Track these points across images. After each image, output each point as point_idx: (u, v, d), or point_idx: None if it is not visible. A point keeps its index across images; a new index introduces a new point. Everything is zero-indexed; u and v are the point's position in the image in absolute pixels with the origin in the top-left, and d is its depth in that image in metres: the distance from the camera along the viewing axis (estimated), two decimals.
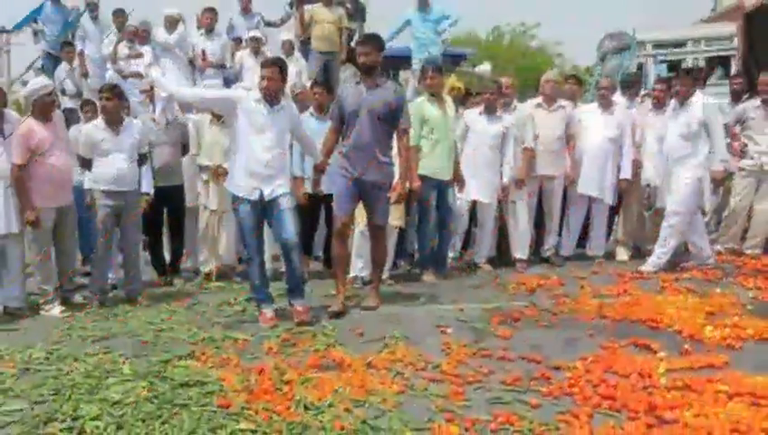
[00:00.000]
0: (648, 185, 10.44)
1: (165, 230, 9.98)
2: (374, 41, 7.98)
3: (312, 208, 9.46)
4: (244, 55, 13.33)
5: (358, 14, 14.57)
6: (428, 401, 5.23)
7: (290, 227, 7.51)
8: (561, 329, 7.18)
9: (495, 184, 9.85)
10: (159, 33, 13.36)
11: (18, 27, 14.52)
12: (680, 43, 17.09)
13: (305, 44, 13.90)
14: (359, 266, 9.18)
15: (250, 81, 11.27)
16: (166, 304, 8.49)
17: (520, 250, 10.20)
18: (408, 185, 8.28)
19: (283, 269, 8.02)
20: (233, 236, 9.62)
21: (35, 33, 14.13)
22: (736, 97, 11.53)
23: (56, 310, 8.23)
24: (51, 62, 13.86)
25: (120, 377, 5.82)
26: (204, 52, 13.42)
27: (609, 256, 10.70)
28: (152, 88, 9.96)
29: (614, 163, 10.25)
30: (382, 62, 8.04)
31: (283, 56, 11.21)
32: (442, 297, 8.56)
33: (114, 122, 8.46)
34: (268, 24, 14.61)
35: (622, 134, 10.22)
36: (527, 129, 9.97)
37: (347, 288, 8.33)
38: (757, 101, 10.38)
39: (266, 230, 8.00)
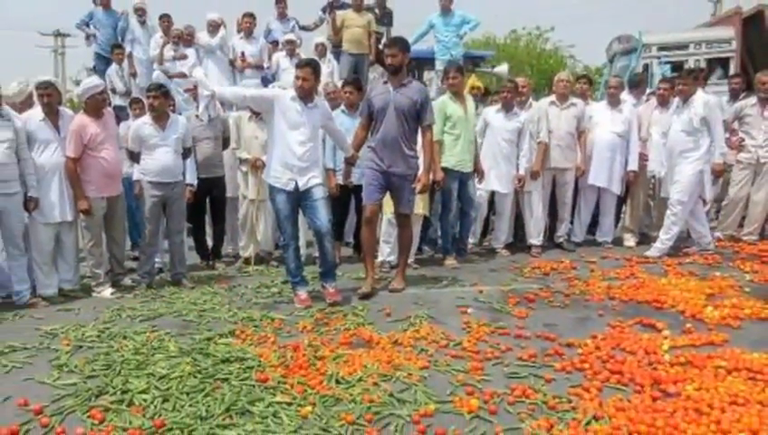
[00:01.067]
0: (654, 176, 10.50)
1: (207, 218, 10.04)
2: (400, 43, 7.95)
3: (343, 198, 9.47)
4: (280, 57, 13.33)
5: (385, 18, 14.52)
6: (450, 376, 5.24)
7: (322, 216, 7.52)
8: (572, 309, 7.17)
9: (512, 175, 9.85)
10: (202, 37, 13.37)
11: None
12: (683, 46, 16.95)
13: (337, 47, 13.88)
14: (386, 252, 9.21)
15: (286, 80, 11.24)
16: (208, 287, 8.53)
17: (535, 236, 10.21)
18: (431, 176, 8.25)
19: (317, 254, 8.07)
20: (270, 223, 9.65)
21: (87, 37, 14.16)
22: (735, 95, 11.63)
23: (107, 292, 8.27)
24: (102, 63, 13.86)
25: (166, 353, 5.85)
26: (243, 54, 13.44)
27: (618, 241, 10.73)
28: (196, 87, 9.97)
29: (622, 156, 10.27)
30: (408, 63, 8.03)
31: (316, 58, 11.20)
32: (463, 280, 8.56)
33: (161, 119, 8.51)
34: (303, 29, 14.59)
35: (629, 129, 10.24)
36: (541, 124, 9.99)
37: (375, 272, 8.32)
38: (754, 99, 10.35)
39: (301, 218, 8.01)
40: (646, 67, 16.79)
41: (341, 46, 13.74)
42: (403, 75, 7.89)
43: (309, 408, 4.62)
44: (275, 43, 13.81)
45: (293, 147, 7.37)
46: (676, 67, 15.86)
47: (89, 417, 4.59)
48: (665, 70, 16.36)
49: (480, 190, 9.86)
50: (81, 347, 6.17)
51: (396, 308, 7.22)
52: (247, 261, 9.79)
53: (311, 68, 7.45)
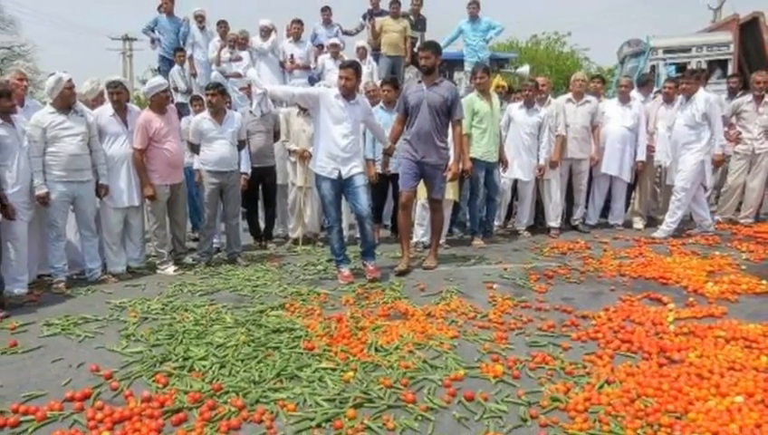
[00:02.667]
0: (660, 166, 10.49)
1: (260, 203, 10.06)
2: (433, 47, 7.91)
3: (382, 185, 9.42)
4: (325, 59, 13.31)
5: (419, 24, 14.46)
6: (478, 345, 5.21)
7: (363, 201, 7.51)
8: (587, 285, 7.12)
9: (533, 165, 9.84)
10: (255, 41, 13.43)
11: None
12: (686, 49, 16.78)
13: (376, 50, 13.87)
14: (420, 233, 9.24)
15: (330, 80, 11.25)
16: (261, 265, 8.56)
17: (553, 220, 10.21)
18: (461, 166, 8.22)
19: (358, 235, 8.07)
20: (316, 208, 9.67)
21: (153, 41, 14.22)
22: (732, 93, 11.70)
23: (170, 269, 8.33)
24: (165, 65, 13.95)
25: (223, 324, 5.88)
26: (292, 56, 13.50)
27: (628, 224, 10.70)
28: (250, 86, 9.98)
29: (631, 148, 10.27)
30: (440, 65, 7.98)
31: (357, 60, 11.18)
32: (489, 259, 8.53)
33: (218, 114, 8.53)
34: (345, 33, 14.56)
35: (638, 124, 10.22)
36: (559, 119, 9.98)
37: (410, 251, 8.28)
38: (749, 97, 10.35)
39: (343, 203, 8.04)
40: (653, 68, 16.63)
41: (380, 49, 13.75)
42: (435, 75, 7.86)
43: (351, 373, 4.62)
44: (321, 47, 13.79)
45: (337, 139, 7.38)
46: (680, 68, 15.77)
47: (154, 381, 4.62)
48: (670, 70, 16.23)
49: (504, 178, 9.89)
50: (146, 319, 6.23)
51: (429, 284, 7.21)
52: (296, 242, 9.82)
53: (353, 69, 7.45)
